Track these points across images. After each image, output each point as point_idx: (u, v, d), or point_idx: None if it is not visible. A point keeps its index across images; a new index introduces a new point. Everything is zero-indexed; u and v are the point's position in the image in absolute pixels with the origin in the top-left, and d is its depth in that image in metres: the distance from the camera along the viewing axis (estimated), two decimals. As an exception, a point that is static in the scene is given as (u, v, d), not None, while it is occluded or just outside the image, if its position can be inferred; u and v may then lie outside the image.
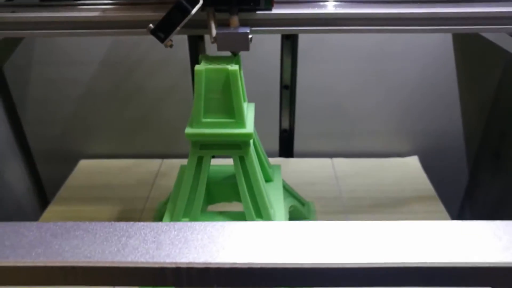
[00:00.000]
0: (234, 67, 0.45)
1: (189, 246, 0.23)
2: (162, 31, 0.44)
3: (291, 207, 0.64)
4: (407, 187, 0.79)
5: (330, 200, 0.75)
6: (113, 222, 0.24)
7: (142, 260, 0.21)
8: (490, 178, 0.87)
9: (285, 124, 0.89)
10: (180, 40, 0.77)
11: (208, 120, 0.47)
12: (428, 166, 0.84)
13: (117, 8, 0.49)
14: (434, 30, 0.49)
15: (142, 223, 0.25)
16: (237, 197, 0.53)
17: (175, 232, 0.24)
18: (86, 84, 0.82)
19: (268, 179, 0.59)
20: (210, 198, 0.59)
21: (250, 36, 0.45)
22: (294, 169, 0.84)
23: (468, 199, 0.94)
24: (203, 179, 0.49)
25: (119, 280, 0.21)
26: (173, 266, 0.21)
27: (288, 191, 0.65)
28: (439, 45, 0.78)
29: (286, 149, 0.90)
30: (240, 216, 0.52)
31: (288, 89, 0.85)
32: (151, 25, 0.44)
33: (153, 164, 0.86)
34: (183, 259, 0.21)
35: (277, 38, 0.78)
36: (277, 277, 0.24)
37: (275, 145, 0.90)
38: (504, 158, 0.82)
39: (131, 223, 0.25)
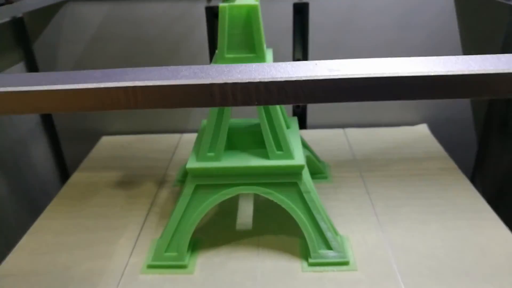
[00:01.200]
0: (254, 2, 0.49)
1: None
2: None
3: (306, 157, 0.67)
4: (419, 150, 0.81)
5: (344, 163, 0.78)
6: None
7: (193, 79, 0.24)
8: (499, 147, 0.89)
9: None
10: (198, 19, 0.82)
11: (231, 55, 0.51)
12: (437, 136, 0.87)
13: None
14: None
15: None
16: (257, 145, 0.56)
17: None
18: (109, 61, 0.87)
19: (287, 127, 0.62)
20: (231, 146, 0.62)
21: None
22: (308, 139, 0.87)
23: (478, 168, 0.96)
24: (227, 114, 0.53)
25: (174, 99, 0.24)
26: (221, 82, 0.24)
27: (304, 144, 0.69)
28: (441, 12, 0.82)
29: (300, 121, 0.93)
30: (261, 151, 0.55)
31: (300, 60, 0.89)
32: None
33: (173, 138, 0.90)
34: (229, 78, 0.25)
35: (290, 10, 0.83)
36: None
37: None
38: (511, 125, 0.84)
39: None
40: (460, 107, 0.90)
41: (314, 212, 0.54)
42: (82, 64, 0.87)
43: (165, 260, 0.55)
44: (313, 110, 0.92)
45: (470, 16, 0.82)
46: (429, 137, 0.86)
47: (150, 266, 0.55)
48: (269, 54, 0.55)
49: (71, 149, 0.95)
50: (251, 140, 0.59)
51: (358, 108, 0.91)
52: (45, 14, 0.82)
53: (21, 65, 0.84)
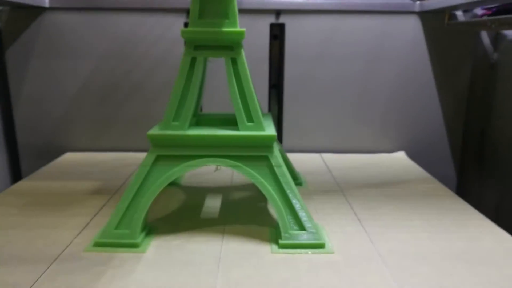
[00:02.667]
0: (229, -31, 0.50)
1: None
2: None
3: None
4: (399, 170, 0.78)
5: (321, 176, 0.74)
6: None
7: None
8: (477, 181, 0.87)
9: (273, 116, 0.90)
10: (176, 40, 0.83)
11: (204, 20, 0.50)
12: (415, 160, 0.85)
13: None
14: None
15: None
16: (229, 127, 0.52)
17: None
18: (81, 79, 0.85)
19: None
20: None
21: None
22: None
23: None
24: (196, 82, 0.50)
25: None
26: None
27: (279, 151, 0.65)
28: (412, 43, 0.86)
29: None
30: (230, 120, 0.51)
31: (276, 88, 0.89)
32: None
33: (139, 155, 0.85)
34: None
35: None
36: None
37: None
38: (487, 157, 0.83)
39: None
40: (435, 134, 0.90)
41: (286, 188, 0.49)
42: (53, 77, 0.85)
43: (115, 237, 0.47)
44: (289, 133, 0.90)
45: (439, 47, 0.85)
46: (409, 162, 0.83)
47: (97, 244, 0.47)
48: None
49: (32, 166, 0.88)
50: (222, 125, 0.56)
51: (334, 133, 0.90)
52: (22, 21, 0.82)
53: (-11, 72, 0.82)
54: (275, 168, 0.49)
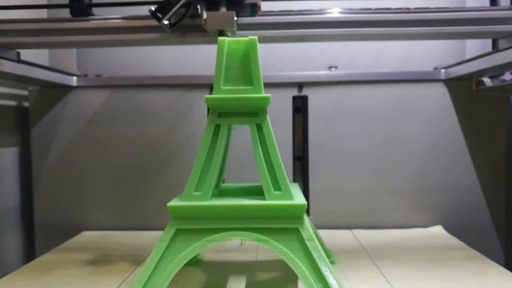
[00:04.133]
0: (253, 36, 0.50)
1: None
2: (161, 12, 0.51)
3: (311, 228, 0.58)
4: (438, 244, 0.71)
5: (354, 252, 0.68)
6: None
7: None
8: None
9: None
10: (201, 118, 0.83)
11: (228, 87, 0.49)
12: (454, 234, 0.78)
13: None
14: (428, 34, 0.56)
15: None
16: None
17: None
18: (102, 157, 0.85)
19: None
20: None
21: (235, 18, 0.52)
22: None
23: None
24: (220, 149, 0.48)
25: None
26: None
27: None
28: (439, 109, 0.83)
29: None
30: (256, 189, 0.47)
31: (300, 160, 0.86)
32: (152, 7, 0.51)
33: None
34: None
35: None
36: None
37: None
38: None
39: None
40: (476, 208, 0.83)
41: (320, 265, 0.43)
42: (75, 154, 0.85)
43: (129, 323, 0.42)
44: (316, 210, 0.85)
45: (469, 113, 0.82)
46: (448, 237, 0.76)
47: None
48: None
49: (48, 245, 0.85)
50: (246, 195, 0.52)
51: (364, 207, 0.84)
52: (50, 100, 0.84)
53: (14, 150, 0.82)
54: (307, 242, 0.44)
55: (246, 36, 0.50)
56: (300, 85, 0.84)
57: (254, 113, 0.48)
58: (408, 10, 0.59)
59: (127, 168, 0.85)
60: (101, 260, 0.66)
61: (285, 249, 0.44)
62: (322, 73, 0.84)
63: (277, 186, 0.47)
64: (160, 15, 0.50)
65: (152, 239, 0.78)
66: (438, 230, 0.80)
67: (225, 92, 0.48)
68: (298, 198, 0.47)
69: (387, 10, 0.60)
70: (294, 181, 0.86)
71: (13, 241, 0.81)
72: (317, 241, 0.45)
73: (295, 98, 0.85)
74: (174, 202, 0.46)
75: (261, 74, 0.48)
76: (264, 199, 0.46)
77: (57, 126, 0.84)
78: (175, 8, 0.50)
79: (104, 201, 0.85)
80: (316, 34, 0.60)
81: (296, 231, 0.45)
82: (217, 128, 0.48)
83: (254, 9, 0.56)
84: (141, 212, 0.86)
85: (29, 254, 0.84)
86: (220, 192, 0.56)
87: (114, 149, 0.85)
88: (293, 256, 0.44)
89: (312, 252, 0.44)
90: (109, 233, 0.83)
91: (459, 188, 0.83)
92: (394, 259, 0.64)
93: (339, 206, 0.85)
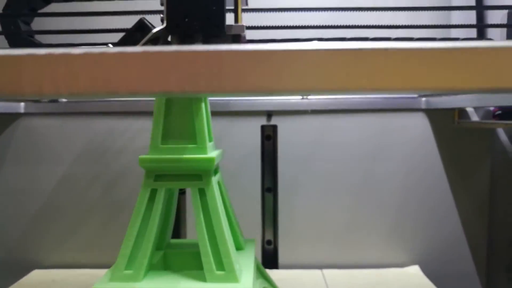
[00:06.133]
0: (197, 87, 0.43)
1: None
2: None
3: (266, 290, 0.52)
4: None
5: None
6: None
7: None
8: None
9: (269, 234, 0.80)
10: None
11: (167, 146, 0.42)
12: (432, 275, 0.73)
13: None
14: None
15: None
16: (200, 266, 0.42)
17: None
18: (47, 194, 0.78)
19: (238, 247, 0.50)
20: (167, 267, 0.48)
21: None
22: (278, 278, 0.72)
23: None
24: (155, 219, 0.41)
25: None
26: None
27: (262, 272, 0.55)
28: (420, 141, 0.77)
29: (270, 260, 0.79)
30: (198, 274, 0.41)
31: (270, 192, 0.80)
32: (110, 44, 0.43)
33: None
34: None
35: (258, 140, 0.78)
36: None
37: (257, 256, 0.79)
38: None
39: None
40: (455, 245, 0.78)
41: None
42: (22, 186, 0.78)
43: None
44: (286, 247, 0.79)
45: (451, 145, 0.77)
46: (424, 280, 0.71)
47: None
48: (215, 150, 0.46)
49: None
50: (192, 262, 0.46)
51: (336, 245, 0.79)
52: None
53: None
54: (252, 336, 0.38)
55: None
56: (269, 114, 0.77)
57: (196, 176, 0.42)
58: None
59: (83, 203, 0.78)
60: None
61: None
62: (293, 101, 0.78)
63: (220, 265, 0.40)
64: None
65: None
66: (414, 270, 0.75)
67: (164, 151, 0.42)
68: (245, 280, 0.41)
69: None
70: (264, 213, 0.80)
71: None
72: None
73: (264, 127, 0.79)
74: (101, 285, 0.40)
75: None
76: (204, 281, 0.40)
77: (4, 156, 0.77)
78: (140, 45, 0.43)
79: (55, 238, 0.79)
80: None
81: (240, 321, 0.39)
82: (153, 192, 0.42)
83: (238, 41, 0.48)
84: (95, 251, 0.79)
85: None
86: (165, 256, 0.49)
87: (62, 180, 0.78)
88: None
89: None
90: (61, 272, 0.76)
91: (439, 226, 0.78)
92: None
93: (310, 243, 0.79)
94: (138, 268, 0.40)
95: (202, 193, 0.42)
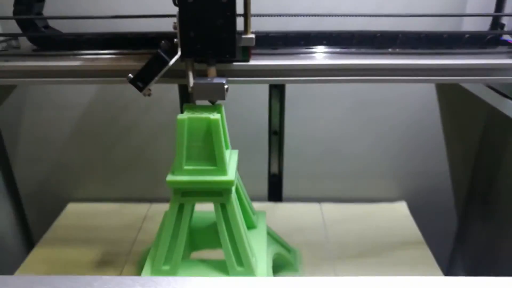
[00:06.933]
0: (215, 116, 0.46)
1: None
2: (141, 81, 0.45)
3: (275, 254, 0.63)
4: (395, 233, 0.78)
5: (317, 247, 0.75)
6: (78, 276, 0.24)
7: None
8: (479, 224, 0.86)
9: (274, 169, 0.89)
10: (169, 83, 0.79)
11: (190, 167, 0.48)
12: (417, 210, 0.84)
13: (102, 59, 0.51)
14: (417, 81, 0.52)
15: (107, 277, 0.25)
16: (221, 244, 0.52)
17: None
18: (75, 127, 0.83)
19: (251, 226, 0.59)
20: (193, 245, 0.59)
21: (226, 86, 0.46)
22: (282, 214, 0.84)
23: (458, 244, 0.93)
24: (184, 227, 0.49)
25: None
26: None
27: (273, 237, 0.65)
28: (424, 94, 0.80)
29: (275, 193, 0.90)
30: (221, 265, 0.51)
31: (277, 134, 0.86)
32: (130, 74, 0.45)
33: (141, 208, 0.86)
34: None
35: (265, 85, 0.81)
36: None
37: (264, 190, 0.90)
38: (492, 204, 0.82)
39: (97, 277, 0.25)
40: (440, 183, 0.88)
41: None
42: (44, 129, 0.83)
43: None
44: (289, 181, 0.89)
45: (452, 109, 0.80)
46: (407, 219, 0.83)
47: None
48: (233, 159, 0.52)
49: (36, 215, 0.90)
50: (214, 238, 0.55)
51: (335, 181, 0.88)
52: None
53: None
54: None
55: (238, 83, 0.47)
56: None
57: (218, 193, 0.48)
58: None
59: (112, 137, 0.84)
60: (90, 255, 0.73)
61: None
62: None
63: (240, 262, 0.50)
64: (140, 85, 0.45)
65: (137, 212, 0.84)
66: (401, 206, 0.86)
67: (188, 173, 0.48)
68: (260, 272, 0.51)
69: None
70: (270, 155, 0.88)
71: (4, 209, 0.86)
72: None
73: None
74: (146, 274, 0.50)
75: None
76: (226, 274, 0.50)
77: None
78: (157, 77, 0.45)
79: (86, 172, 0.87)
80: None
81: (256, 304, 0.50)
82: (181, 207, 0.49)
83: (247, 53, 0.49)
84: (124, 184, 0.89)
85: (22, 220, 0.90)
86: (191, 233, 0.58)
87: (84, 118, 0.83)
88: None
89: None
90: (94, 206, 0.87)
91: (427, 167, 0.86)
92: (353, 264, 0.72)
93: (311, 179, 0.88)
94: (174, 265, 0.50)
95: (223, 207, 0.49)
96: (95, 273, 0.69)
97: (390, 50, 0.54)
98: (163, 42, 0.45)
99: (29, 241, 0.91)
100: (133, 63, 0.49)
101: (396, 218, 0.83)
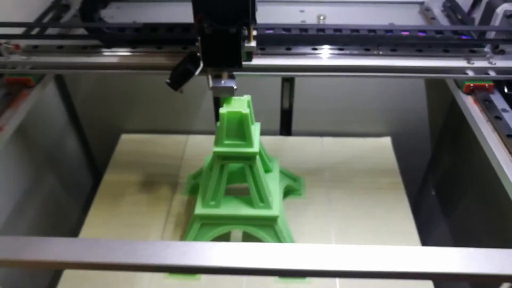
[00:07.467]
0: (246, 110, 0.66)
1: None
2: (177, 84, 0.64)
3: (286, 187, 0.88)
4: (377, 162, 1.02)
5: (316, 175, 0.99)
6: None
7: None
8: (449, 156, 1.09)
9: (285, 107, 1.10)
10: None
11: (228, 142, 0.69)
12: (399, 144, 1.07)
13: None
14: (393, 76, 0.70)
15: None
16: (246, 181, 0.75)
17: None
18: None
19: (268, 171, 0.83)
20: (229, 180, 0.82)
21: (235, 87, 0.65)
22: (290, 146, 1.07)
23: (431, 168, 1.18)
24: (224, 179, 0.73)
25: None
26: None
27: (283, 173, 0.89)
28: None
29: (286, 128, 1.12)
30: (248, 200, 0.76)
31: (288, 81, 1.05)
32: (168, 80, 0.64)
33: (180, 139, 1.09)
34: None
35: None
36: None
37: (277, 125, 1.11)
38: (461, 138, 1.03)
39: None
40: (420, 123, 1.09)
41: (282, 239, 0.77)
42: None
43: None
44: (297, 119, 1.10)
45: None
46: (389, 151, 1.06)
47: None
48: (257, 133, 0.72)
49: (96, 144, 1.15)
50: (242, 178, 0.79)
51: (335, 119, 1.09)
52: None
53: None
54: (278, 233, 0.76)
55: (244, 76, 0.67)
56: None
57: (247, 158, 0.71)
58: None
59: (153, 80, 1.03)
60: (146, 181, 0.98)
61: (266, 236, 0.77)
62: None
63: (261, 200, 0.75)
64: (176, 87, 0.64)
65: (177, 143, 1.08)
66: (385, 141, 1.08)
67: (226, 146, 0.70)
68: (275, 207, 0.75)
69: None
70: (282, 96, 1.07)
71: (72, 140, 1.11)
72: (285, 231, 0.77)
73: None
74: (199, 211, 0.75)
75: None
76: (253, 208, 0.75)
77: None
78: (189, 80, 0.64)
79: (134, 108, 1.09)
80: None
81: (272, 226, 0.76)
82: (222, 166, 0.72)
83: (250, 56, 0.68)
84: (161, 116, 1.11)
85: (87, 149, 1.15)
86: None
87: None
88: (270, 239, 0.77)
89: (281, 239, 0.76)
90: (142, 137, 1.10)
91: (410, 110, 1.06)
92: (342, 188, 0.96)
93: (315, 117, 1.09)
94: (218, 201, 0.75)
95: (250, 167, 0.71)
96: (153, 193, 0.95)
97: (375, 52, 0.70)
98: (189, 57, 0.63)
99: (93, 166, 1.18)
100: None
101: (380, 150, 1.06)
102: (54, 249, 0.47)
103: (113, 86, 1.05)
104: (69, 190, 1.08)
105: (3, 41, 0.68)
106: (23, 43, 0.71)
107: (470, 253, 0.47)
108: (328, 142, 1.08)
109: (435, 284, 0.77)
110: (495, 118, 0.63)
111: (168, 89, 0.83)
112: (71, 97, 1.06)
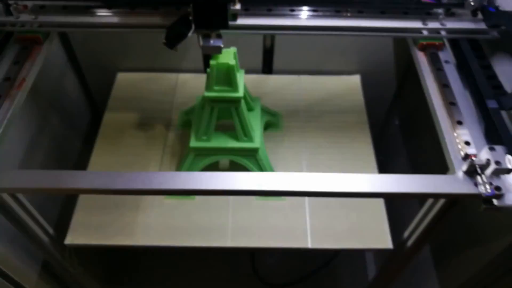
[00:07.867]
0: (232, 62, 0.78)
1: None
2: (170, 46, 0.74)
3: (266, 122, 1.03)
4: (347, 99, 1.16)
5: (293, 111, 1.13)
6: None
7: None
8: (411, 91, 1.24)
9: (267, 46, 1.20)
10: None
11: (217, 87, 0.82)
12: (369, 80, 1.20)
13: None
14: (360, 35, 0.81)
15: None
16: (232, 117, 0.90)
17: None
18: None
19: (250, 109, 0.96)
20: (218, 117, 0.96)
21: (222, 46, 0.76)
22: (271, 84, 1.20)
23: (394, 104, 1.33)
24: (214, 117, 0.87)
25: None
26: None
27: (264, 110, 1.03)
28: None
29: (268, 66, 1.24)
30: (234, 135, 0.90)
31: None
32: (164, 40, 0.74)
33: (171, 78, 1.20)
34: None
35: None
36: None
37: (259, 63, 1.23)
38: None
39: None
40: (387, 61, 1.22)
41: (263, 168, 0.93)
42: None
43: (179, 192, 0.96)
44: (278, 58, 1.21)
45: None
46: (357, 88, 1.19)
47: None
48: (241, 79, 0.85)
49: (94, 83, 1.25)
50: (228, 115, 0.93)
51: (312, 58, 1.21)
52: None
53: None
54: (259, 161, 0.92)
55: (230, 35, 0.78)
56: None
57: (233, 101, 0.84)
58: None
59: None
60: (143, 120, 1.11)
61: (249, 163, 0.92)
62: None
63: (245, 134, 0.89)
64: (170, 46, 0.75)
65: (168, 82, 1.19)
66: (355, 79, 1.22)
67: (216, 91, 0.83)
68: (256, 141, 0.90)
69: None
70: (265, 39, 1.17)
71: (72, 79, 1.21)
72: (265, 160, 0.93)
73: None
74: (194, 144, 0.89)
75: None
76: (238, 141, 0.90)
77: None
78: (183, 39, 0.75)
79: (129, 47, 1.18)
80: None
81: (254, 156, 0.92)
82: (212, 109, 0.85)
83: (236, 17, 0.78)
84: (153, 55, 1.20)
85: (86, 87, 1.26)
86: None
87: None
88: (252, 167, 0.93)
89: (261, 166, 0.93)
90: (137, 76, 1.21)
91: (379, 50, 1.18)
92: (315, 123, 1.11)
93: (295, 56, 1.20)
94: (209, 136, 0.89)
95: (236, 109, 0.85)
96: (150, 127, 1.09)
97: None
98: (182, 20, 0.73)
99: (92, 102, 1.29)
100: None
101: (350, 87, 1.19)
102: (85, 179, 0.62)
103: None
104: (71, 126, 1.20)
105: (12, 1, 0.76)
106: (30, 3, 0.79)
107: (402, 178, 0.64)
108: (306, 80, 1.21)
109: (385, 201, 0.96)
110: (437, 70, 0.77)
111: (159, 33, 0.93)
112: (70, 41, 1.14)
